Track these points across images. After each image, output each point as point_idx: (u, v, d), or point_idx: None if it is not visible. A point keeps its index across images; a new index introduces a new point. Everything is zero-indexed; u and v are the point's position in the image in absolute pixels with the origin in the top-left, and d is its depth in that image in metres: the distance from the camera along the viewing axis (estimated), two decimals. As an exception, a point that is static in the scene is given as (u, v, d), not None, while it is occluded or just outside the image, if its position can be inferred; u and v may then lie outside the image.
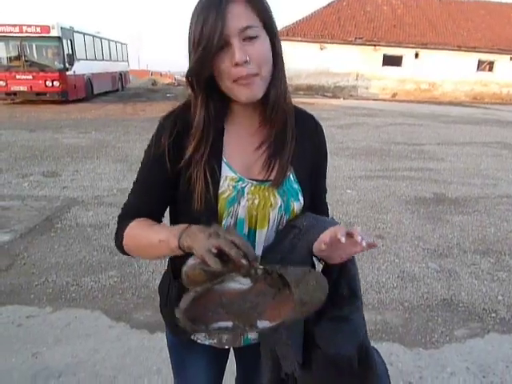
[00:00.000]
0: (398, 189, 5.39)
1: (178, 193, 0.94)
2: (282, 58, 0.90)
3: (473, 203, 4.93)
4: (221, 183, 0.91)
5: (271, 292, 0.76)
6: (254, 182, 0.93)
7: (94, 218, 4.05)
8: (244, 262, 0.71)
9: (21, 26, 13.29)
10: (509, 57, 23.06)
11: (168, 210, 1.01)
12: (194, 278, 0.74)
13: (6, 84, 13.49)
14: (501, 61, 23.21)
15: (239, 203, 0.91)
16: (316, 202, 1.06)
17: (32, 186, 5.03)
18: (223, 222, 0.91)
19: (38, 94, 13.73)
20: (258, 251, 0.94)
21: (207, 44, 0.80)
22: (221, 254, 0.72)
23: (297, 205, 0.96)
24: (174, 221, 1.00)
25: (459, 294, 2.88)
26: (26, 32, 13.30)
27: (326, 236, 0.80)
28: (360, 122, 11.69)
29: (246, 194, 0.92)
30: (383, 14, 23.60)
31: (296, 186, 0.96)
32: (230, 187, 0.91)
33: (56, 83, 13.59)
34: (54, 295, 2.68)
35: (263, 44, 0.84)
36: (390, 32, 22.53)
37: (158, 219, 0.97)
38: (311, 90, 21.66)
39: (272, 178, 0.93)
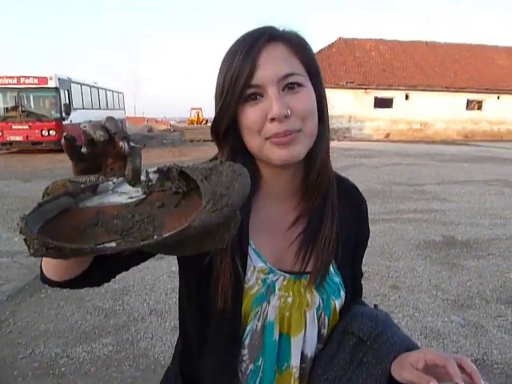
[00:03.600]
0: (406, 232, 5.19)
1: (187, 277, 0.76)
2: (327, 113, 0.73)
3: (485, 246, 4.72)
4: (248, 275, 0.71)
5: (172, 200, 0.53)
6: (287, 276, 0.74)
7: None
8: (124, 147, 0.49)
9: (19, 77, 13.55)
10: (496, 96, 23.69)
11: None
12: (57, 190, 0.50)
13: (2, 134, 13.56)
14: (489, 100, 23.83)
15: (269, 302, 0.72)
16: (352, 289, 0.85)
17: (23, 242, 4.76)
18: (248, 328, 0.71)
19: (34, 143, 13.76)
20: (296, 361, 0.73)
21: (228, 92, 0.65)
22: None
23: (338, 302, 0.77)
24: (184, 310, 0.80)
25: (491, 353, 2.61)
26: (24, 83, 13.54)
27: (423, 362, 0.61)
28: (357, 164, 11.66)
29: (277, 291, 0.72)
30: (372, 58, 24.41)
31: (337, 279, 0.77)
32: (259, 281, 0.72)
33: (52, 132, 13.66)
34: (42, 370, 2.38)
35: (309, 94, 0.67)
36: (379, 76, 23.19)
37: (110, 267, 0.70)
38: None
39: (309, 269, 0.74)
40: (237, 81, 0.64)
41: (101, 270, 0.66)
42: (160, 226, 0.49)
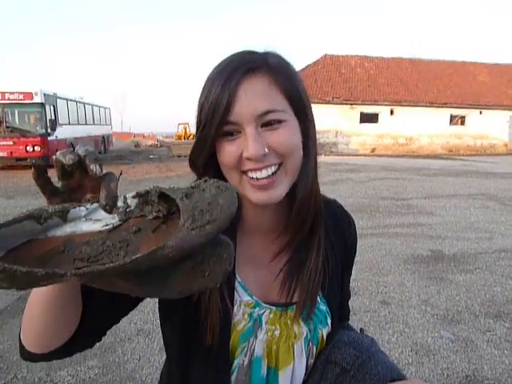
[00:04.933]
0: (394, 247, 5.22)
1: (171, 311, 0.72)
2: (314, 145, 0.70)
3: (472, 260, 4.76)
4: (235, 310, 0.69)
5: (151, 225, 0.47)
6: (274, 308, 0.72)
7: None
8: (96, 170, 0.45)
9: (3, 93, 13.38)
10: (478, 111, 24.27)
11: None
12: None
13: (-15, 150, 13.30)
14: (471, 115, 24.40)
15: (256, 337, 0.69)
16: (339, 312, 0.84)
17: (6, 260, 4.66)
18: (235, 363, 0.68)
19: (18, 159, 13.53)
20: None
21: (207, 125, 0.62)
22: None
23: (325, 331, 0.76)
24: (166, 337, 0.78)
25: (482, 369, 2.60)
26: (9, 99, 13.39)
27: None
28: (344, 178, 11.76)
29: (264, 325, 0.70)
30: (357, 75, 24.86)
31: (324, 307, 0.76)
32: (246, 316, 0.70)
33: (37, 148, 13.48)
34: (23, 396, 2.30)
35: (290, 130, 0.63)
36: (365, 91, 23.60)
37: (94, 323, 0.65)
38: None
39: (295, 299, 0.72)
40: (213, 116, 0.60)
41: (89, 328, 0.61)
42: (133, 251, 0.44)
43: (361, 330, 0.83)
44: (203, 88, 0.63)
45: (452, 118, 24.51)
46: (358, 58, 26.33)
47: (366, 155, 21.84)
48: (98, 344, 2.50)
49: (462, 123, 24.79)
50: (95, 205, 0.47)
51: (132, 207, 0.49)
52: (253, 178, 0.63)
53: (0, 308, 3.41)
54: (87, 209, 0.47)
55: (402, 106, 23.44)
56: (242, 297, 0.71)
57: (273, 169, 0.63)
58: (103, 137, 21.61)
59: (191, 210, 0.43)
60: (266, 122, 0.61)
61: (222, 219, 0.43)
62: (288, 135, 0.63)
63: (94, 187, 0.47)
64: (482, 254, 4.99)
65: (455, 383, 2.46)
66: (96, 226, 0.47)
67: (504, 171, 13.95)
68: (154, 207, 0.48)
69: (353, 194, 9.04)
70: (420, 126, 23.63)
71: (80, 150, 0.45)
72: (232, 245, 0.47)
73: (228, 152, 0.62)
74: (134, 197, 0.49)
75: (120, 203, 0.48)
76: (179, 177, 10.79)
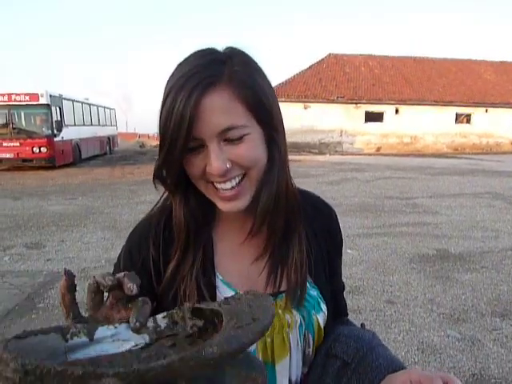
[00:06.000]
0: (399, 246, 5.20)
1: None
2: (283, 151, 0.70)
3: (478, 258, 4.74)
4: None
5: (185, 341, 0.47)
6: None
7: (79, 294, 3.67)
8: (133, 288, 0.45)
9: (10, 94, 13.46)
10: (484, 109, 24.13)
11: None
12: None
13: (-8, 152, 13.40)
14: (477, 113, 24.26)
15: None
16: (334, 303, 0.84)
17: (13, 260, 4.70)
18: None
19: (24, 160, 13.62)
20: None
21: (170, 146, 0.62)
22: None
23: (320, 317, 0.75)
24: None
25: (488, 368, 2.60)
26: (15, 100, 13.45)
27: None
28: (349, 178, 11.73)
29: None
30: (362, 74, 24.80)
31: (315, 292, 0.76)
32: None
33: (43, 149, 13.55)
34: (32, 394, 2.32)
35: (252, 143, 0.65)
36: (369, 90, 23.54)
37: None
38: (297, 148, 22.08)
39: (283, 288, 0.73)
40: (178, 135, 0.61)
41: None
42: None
43: (361, 324, 0.83)
44: (165, 99, 0.63)
45: (458, 116, 24.38)
46: (363, 57, 26.27)
47: (370, 154, 21.78)
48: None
49: (468, 122, 24.65)
50: (124, 325, 0.46)
51: (162, 327, 0.48)
52: (218, 188, 0.66)
53: (8, 308, 3.45)
54: (115, 327, 0.46)
55: (406, 104, 23.35)
56: (224, 294, 0.71)
57: (237, 180, 0.66)
58: (108, 137, 21.70)
59: (234, 312, 0.44)
60: (228, 139, 0.63)
61: (267, 318, 0.44)
62: (249, 149, 0.64)
63: (121, 320, 0.48)
64: (488, 252, 4.97)
65: (462, 382, 2.45)
66: (125, 347, 0.44)
67: (510, 170, 13.86)
68: (187, 323, 0.48)
69: (358, 194, 9.02)
70: (425, 125, 23.52)
71: (118, 274, 0.47)
72: (265, 370, 0.46)
73: (193, 165, 0.65)
74: (164, 317, 0.49)
75: (150, 323, 0.47)
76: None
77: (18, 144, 13.46)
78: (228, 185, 0.65)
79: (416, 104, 23.33)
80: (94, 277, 0.48)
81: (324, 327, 0.77)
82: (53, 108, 13.92)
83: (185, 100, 0.59)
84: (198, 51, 0.65)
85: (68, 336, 0.42)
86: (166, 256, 0.73)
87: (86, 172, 13.50)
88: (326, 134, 23.09)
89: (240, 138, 0.63)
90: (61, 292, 0.47)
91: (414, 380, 0.60)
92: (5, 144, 13.42)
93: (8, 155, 13.49)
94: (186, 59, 0.64)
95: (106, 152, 21.04)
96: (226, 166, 0.63)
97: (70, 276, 0.47)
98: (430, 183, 10.74)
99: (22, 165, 13.73)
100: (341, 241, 0.87)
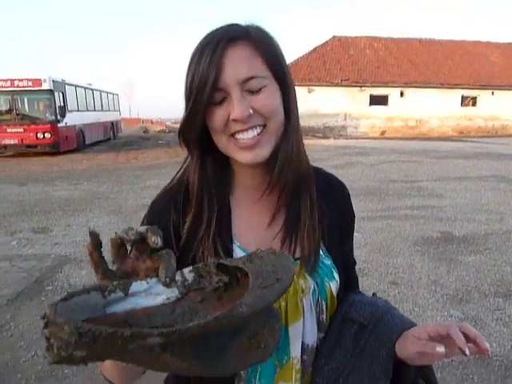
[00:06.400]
0: (403, 229, 5.22)
1: None
2: (296, 110, 0.75)
3: (482, 241, 4.76)
4: None
5: (213, 295, 0.51)
6: None
7: (87, 276, 3.79)
8: (157, 241, 0.48)
9: (12, 80, 13.44)
10: (490, 92, 23.82)
11: None
12: None
13: (-3, 138, 13.43)
14: (483, 96, 23.95)
15: None
16: (346, 275, 0.86)
17: (21, 245, 4.77)
18: None
19: (28, 146, 13.67)
20: (296, 352, 0.73)
21: (197, 97, 0.67)
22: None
23: (333, 285, 0.77)
24: None
25: (490, 346, 2.61)
26: (18, 86, 13.43)
27: (427, 333, 0.62)
28: (354, 162, 11.70)
29: None
30: (366, 56, 24.45)
31: (328, 261, 0.78)
32: None
33: (47, 135, 13.57)
34: (45, 373, 2.38)
35: (271, 94, 0.70)
36: (374, 73, 23.24)
37: None
38: (302, 132, 22.00)
39: (298, 255, 0.75)
40: (205, 85, 0.66)
41: None
42: (205, 317, 0.46)
43: (373, 294, 0.86)
44: (190, 62, 0.69)
45: (463, 99, 24.08)
46: (367, 39, 25.85)
47: (375, 138, 21.64)
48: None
49: (474, 104, 24.36)
50: (154, 279, 0.50)
51: (190, 281, 0.52)
52: (239, 139, 0.69)
53: (18, 291, 3.51)
54: (147, 283, 0.50)
55: (412, 87, 23.05)
56: None
57: (258, 130, 0.70)
58: (112, 123, 21.67)
59: (259, 272, 0.47)
60: (250, 89, 0.68)
61: (289, 278, 0.47)
62: (269, 98, 0.69)
63: (148, 269, 0.51)
64: (491, 234, 4.98)
65: (465, 360, 2.49)
66: (158, 300, 0.49)
67: (516, 153, 13.75)
68: (213, 278, 0.52)
69: (362, 177, 9.01)
70: (430, 108, 23.26)
71: (141, 228, 0.50)
72: (280, 319, 0.50)
73: (217, 116, 0.68)
74: (190, 271, 0.53)
75: (178, 277, 0.51)
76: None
77: (21, 130, 13.49)
78: (250, 134, 0.69)
79: (421, 87, 23.03)
80: (117, 232, 0.50)
81: (337, 295, 0.79)
82: (56, 93, 13.90)
83: (211, 53, 0.65)
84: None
85: (106, 293, 0.47)
86: (186, 220, 0.75)
87: (91, 157, 13.53)
88: (331, 118, 22.91)
89: (260, 90, 0.68)
90: (88, 251, 0.50)
91: (429, 331, 0.62)
92: (9, 130, 13.45)
93: (12, 141, 13.54)
94: (209, 30, 0.70)
95: (110, 137, 21.04)
96: (249, 111, 0.67)
97: (94, 235, 0.50)
98: (434, 167, 10.69)
99: (26, 151, 13.77)
100: (353, 217, 0.89)
